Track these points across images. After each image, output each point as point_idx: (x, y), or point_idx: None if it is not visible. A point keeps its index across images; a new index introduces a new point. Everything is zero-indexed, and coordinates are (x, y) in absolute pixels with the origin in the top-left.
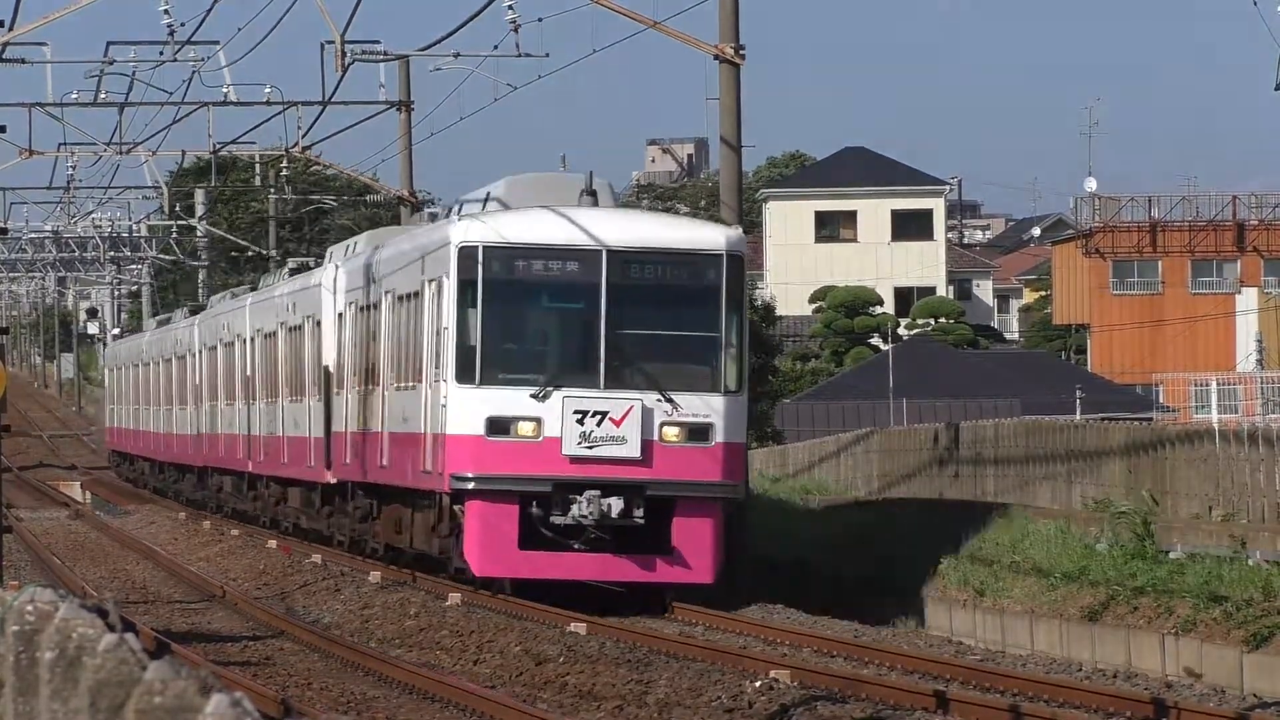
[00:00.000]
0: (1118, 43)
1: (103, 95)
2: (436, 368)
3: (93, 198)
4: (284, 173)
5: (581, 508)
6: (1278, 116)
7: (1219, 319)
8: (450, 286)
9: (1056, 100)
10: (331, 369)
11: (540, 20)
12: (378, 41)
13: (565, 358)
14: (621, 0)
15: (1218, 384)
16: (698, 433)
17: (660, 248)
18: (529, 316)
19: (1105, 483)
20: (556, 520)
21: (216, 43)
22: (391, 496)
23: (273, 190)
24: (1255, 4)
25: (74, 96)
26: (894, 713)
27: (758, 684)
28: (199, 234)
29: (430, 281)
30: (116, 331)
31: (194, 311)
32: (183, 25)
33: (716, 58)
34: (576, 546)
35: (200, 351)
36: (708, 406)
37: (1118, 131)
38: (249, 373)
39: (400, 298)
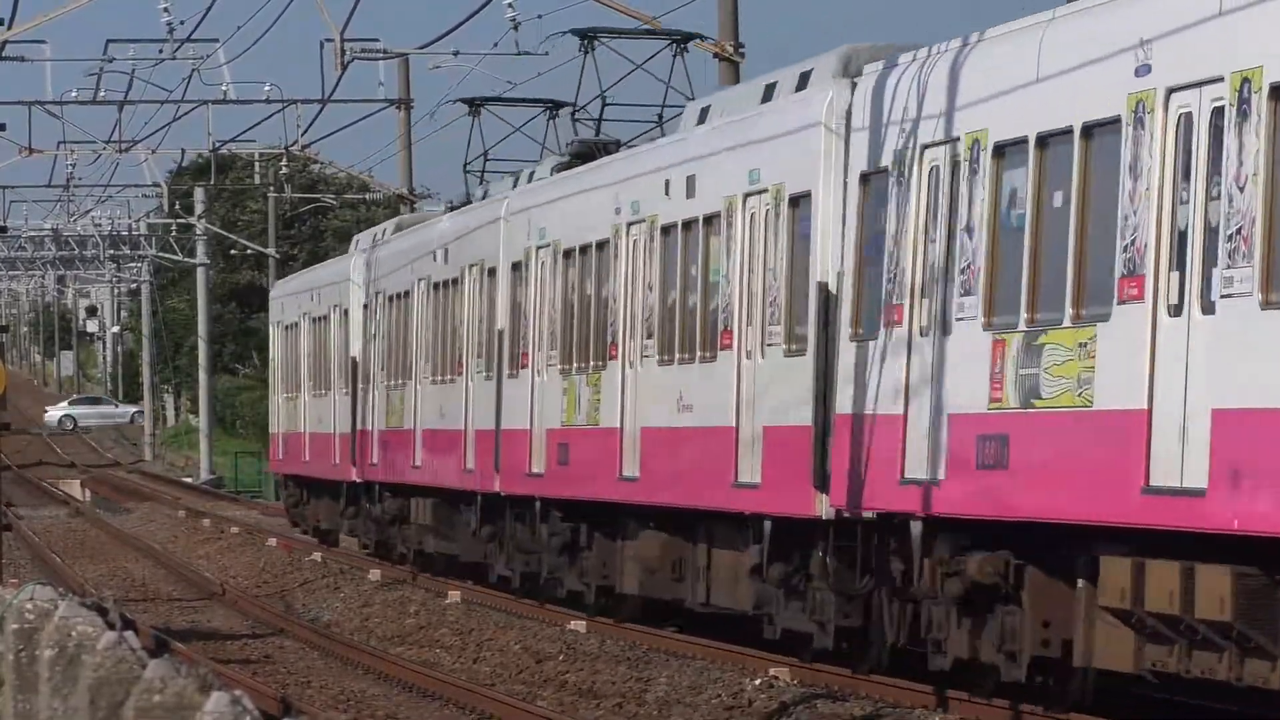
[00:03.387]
0: None
1: (102, 93)
2: None
3: (92, 196)
4: (283, 171)
5: None
6: None
7: None
8: None
9: None
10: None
11: (540, 17)
12: (377, 39)
13: None
14: None
15: None
16: None
17: None
18: None
19: None
20: None
21: (216, 41)
22: None
23: (271, 188)
24: None
25: (73, 95)
26: (893, 711)
27: (757, 682)
28: (198, 232)
29: None
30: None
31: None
32: (182, 23)
33: (716, 56)
34: None
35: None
36: None
37: None
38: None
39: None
